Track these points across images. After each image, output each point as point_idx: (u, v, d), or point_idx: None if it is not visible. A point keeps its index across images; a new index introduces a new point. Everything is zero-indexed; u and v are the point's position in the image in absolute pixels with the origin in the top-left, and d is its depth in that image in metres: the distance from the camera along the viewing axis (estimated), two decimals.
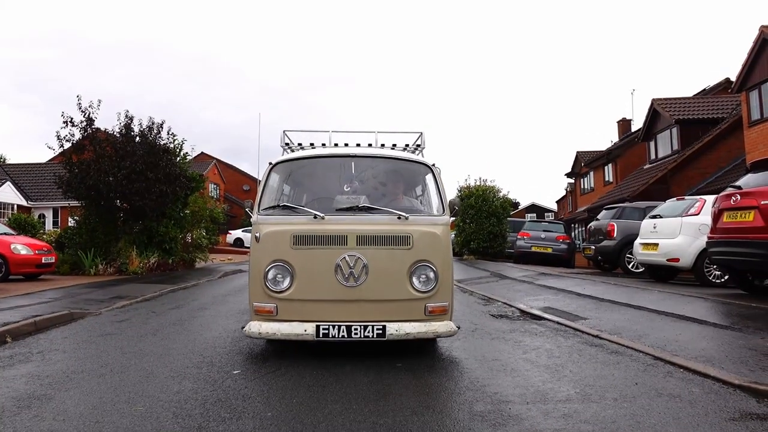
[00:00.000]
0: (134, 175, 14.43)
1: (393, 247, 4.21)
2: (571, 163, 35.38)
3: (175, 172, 15.70)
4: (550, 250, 19.03)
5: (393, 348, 4.71)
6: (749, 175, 7.92)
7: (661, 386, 3.61)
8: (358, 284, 4.14)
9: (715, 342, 4.88)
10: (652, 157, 23.38)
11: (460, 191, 24.13)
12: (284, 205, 4.52)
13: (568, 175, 37.19)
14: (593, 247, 14.59)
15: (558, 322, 6.17)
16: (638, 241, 11.52)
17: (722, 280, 9.79)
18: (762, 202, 7.03)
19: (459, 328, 4.49)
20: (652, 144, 23.58)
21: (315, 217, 4.29)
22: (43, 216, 29.98)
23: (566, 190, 41.61)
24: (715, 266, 9.70)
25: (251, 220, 4.49)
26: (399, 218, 4.32)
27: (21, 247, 11.93)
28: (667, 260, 10.43)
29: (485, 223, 23.02)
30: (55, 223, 29.67)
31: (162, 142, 15.84)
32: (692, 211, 10.34)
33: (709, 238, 8.28)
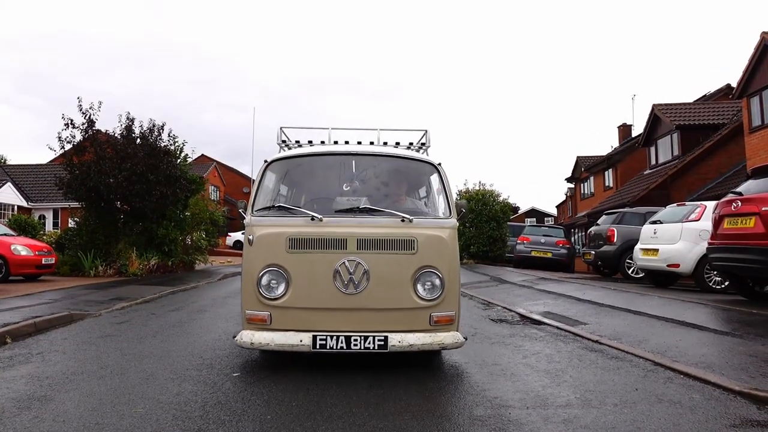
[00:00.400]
0: (135, 177, 14.45)
1: (396, 252, 3.95)
2: (572, 168, 35.42)
3: (175, 174, 15.72)
4: (549, 255, 19.03)
5: (393, 354, 4.70)
6: (750, 182, 7.92)
7: (661, 392, 3.61)
8: (358, 291, 3.87)
9: (716, 348, 4.87)
10: (653, 162, 23.40)
11: (459, 195, 24.15)
12: (279, 206, 4.26)
13: (568, 179, 37.21)
14: (593, 252, 14.58)
15: (558, 327, 6.17)
16: (638, 246, 11.51)
17: (722, 286, 9.77)
18: (763, 209, 7.03)
19: (466, 339, 4.20)
20: (652, 149, 23.60)
21: (312, 219, 4.03)
22: (44, 217, 29.99)
23: (566, 194, 41.62)
24: (715, 272, 9.69)
25: (244, 221, 4.22)
26: (403, 221, 4.05)
27: (21, 248, 11.92)
28: (668, 266, 10.42)
29: (485, 227, 23.06)
30: (55, 225, 29.68)
31: (163, 144, 15.87)
32: (693, 216, 10.33)
33: (709, 244, 8.28)
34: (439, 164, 4.56)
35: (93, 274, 13.76)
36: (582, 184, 33.94)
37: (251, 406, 3.31)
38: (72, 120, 14.82)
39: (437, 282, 3.97)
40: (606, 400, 3.46)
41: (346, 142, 5.15)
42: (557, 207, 49.78)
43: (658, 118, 22.60)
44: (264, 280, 3.93)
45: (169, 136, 16.33)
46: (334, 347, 3.82)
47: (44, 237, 17.96)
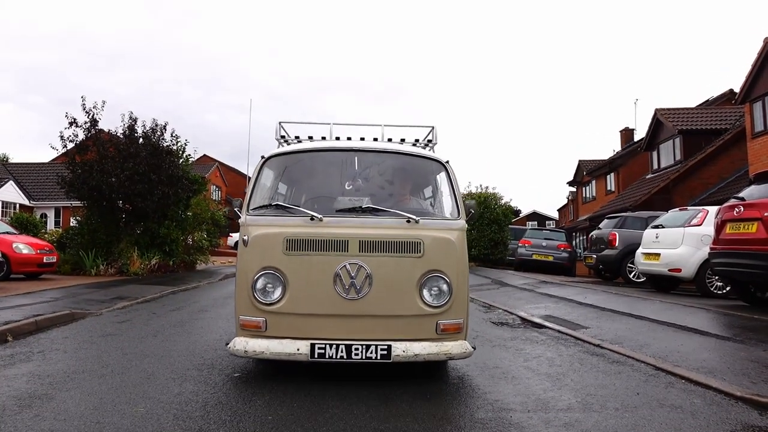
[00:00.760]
0: (137, 177, 14.48)
1: (401, 255, 3.70)
2: (573, 172, 35.41)
3: (177, 174, 15.75)
4: (551, 258, 19.01)
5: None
6: (753, 187, 7.92)
7: (662, 397, 3.60)
8: (360, 297, 3.63)
9: (717, 353, 4.87)
10: (655, 166, 23.38)
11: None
12: (277, 205, 4.01)
13: (570, 183, 37.21)
14: (595, 256, 14.58)
15: (559, 331, 6.16)
16: (640, 250, 11.51)
17: (724, 291, 9.77)
18: (765, 214, 7.02)
19: (475, 348, 3.94)
20: (654, 154, 23.58)
21: (312, 219, 3.78)
22: (45, 215, 30.03)
23: (568, 198, 41.62)
24: (717, 277, 9.69)
25: (239, 221, 3.97)
26: (408, 221, 3.81)
27: (23, 246, 11.94)
28: (669, 270, 10.42)
29: (486, 230, 23.06)
30: (57, 223, 29.71)
31: (165, 144, 15.90)
32: (695, 221, 10.33)
33: (711, 249, 8.27)
34: (447, 162, 4.30)
35: (94, 273, 13.78)
36: (584, 188, 33.93)
37: (252, 406, 3.31)
38: (75, 119, 14.87)
39: (444, 287, 3.74)
40: (607, 404, 3.45)
41: (349, 138, 4.90)
42: (559, 210, 49.76)
43: (660, 122, 22.60)
44: (259, 284, 3.69)
45: (171, 135, 16.38)
46: (334, 356, 3.59)
47: (46, 235, 17.98)
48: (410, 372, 4.17)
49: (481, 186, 24.72)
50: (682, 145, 21.34)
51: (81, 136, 14.99)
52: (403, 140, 5.07)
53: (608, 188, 29.08)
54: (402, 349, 3.62)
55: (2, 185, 28.58)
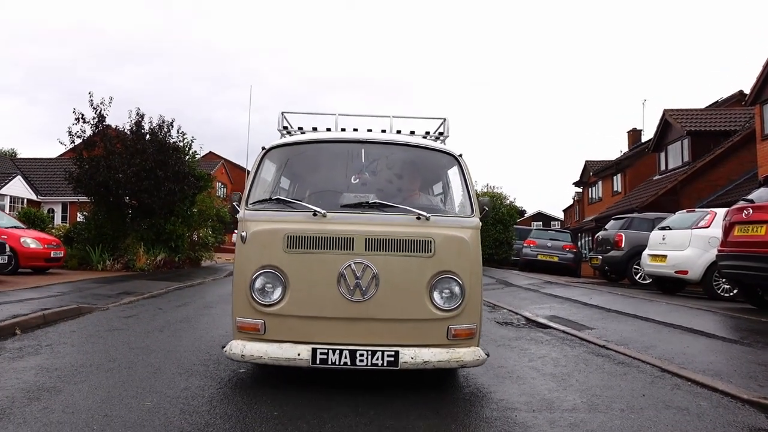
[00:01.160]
0: (143, 173, 14.55)
1: (410, 254, 3.47)
2: (580, 172, 35.29)
3: (183, 171, 15.81)
4: (556, 259, 18.98)
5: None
6: (762, 189, 7.88)
7: (668, 398, 3.59)
8: (365, 299, 3.41)
9: (724, 356, 4.85)
10: (662, 168, 23.29)
11: None
12: (277, 199, 3.82)
13: (576, 184, 37.08)
14: (600, 257, 14.55)
15: (564, 331, 6.15)
16: (646, 252, 11.47)
17: (731, 294, 9.72)
18: None
19: (488, 355, 3.72)
20: (662, 155, 23.48)
21: (315, 215, 3.55)
22: (53, 211, 30.20)
23: (573, 199, 41.49)
24: (724, 280, 9.64)
25: (237, 216, 3.75)
26: (418, 218, 3.58)
27: (30, 240, 12.02)
28: (676, 272, 10.38)
29: (491, 230, 23.05)
30: (64, 218, 29.88)
31: (172, 141, 15.96)
32: (702, 223, 10.29)
33: (719, 251, 8.24)
34: (461, 155, 4.04)
35: (101, 268, 13.86)
36: (590, 189, 33.82)
37: (258, 401, 3.32)
38: (83, 114, 14.96)
39: (456, 290, 3.50)
40: (613, 405, 3.45)
41: (355, 130, 4.58)
42: (564, 211, 49.63)
43: (668, 123, 22.49)
44: (258, 284, 3.47)
45: (178, 132, 16.45)
46: (337, 363, 3.37)
47: (53, 230, 18.08)
48: (416, 374, 4.15)
49: (488, 185, 24.73)
50: (690, 146, 21.24)
51: (88, 131, 15.09)
52: (412, 132, 4.78)
53: (615, 189, 28.98)
54: (410, 356, 3.40)
55: (10, 180, 28.75)
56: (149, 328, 5.89)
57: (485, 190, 24.38)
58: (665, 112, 22.58)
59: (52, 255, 12.35)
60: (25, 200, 29.59)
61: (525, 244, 20.05)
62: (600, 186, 31.57)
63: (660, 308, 7.97)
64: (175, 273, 13.91)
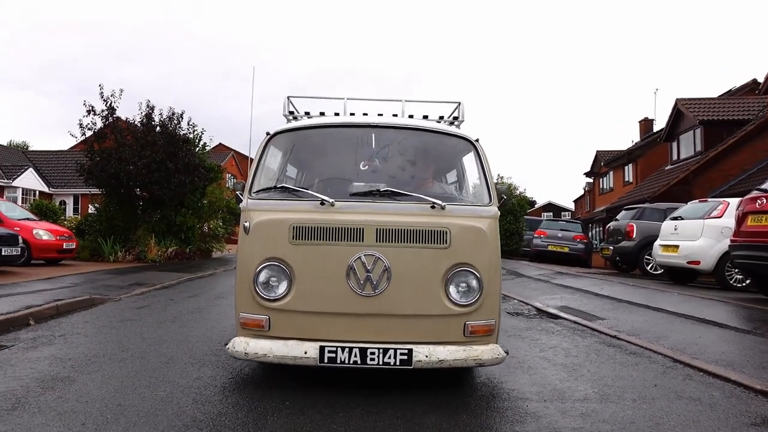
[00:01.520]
0: (154, 165, 14.63)
1: (424, 246, 3.27)
2: (591, 163, 35.06)
3: (194, 163, 15.88)
4: (566, 250, 18.91)
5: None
6: None
7: (680, 389, 3.57)
8: (376, 293, 3.21)
9: (736, 346, 4.81)
10: (674, 157, 23.07)
11: None
12: (282, 187, 3.59)
13: (587, 174, 36.85)
14: (611, 248, 14.47)
15: (575, 322, 6.13)
16: (658, 242, 11.40)
17: (744, 284, 9.65)
18: None
19: (507, 353, 3.51)
20: (674, 144, 23.26)
21: (322, 204, 3.35)
22: (64, 203, 30.45)
23: (584, 189, 41.24)
24: (736, 270, 9.57)
25: (240, 205, 3.57)
26: (433, 207, 3.37)
27: (43, 232, 12.13)
28: (688, 262, 10.30)
29: (501, 221, 22.80)
30: (75, 210, 30.13)
31: (182, 133, 16.02)
32: (715, 213, 10.19)
33: (731, 241, 8.16)
34: (477, 140, 3.81)
35: (112, 260, 13.98)
36: (601, 179, 33.60)
37: (269, 391, 3.34)
38: (93, 107, 15.04)
39: (474, 283, 3.31)
40: (624, 395, 3.44)
41: (365, 114, 4.36)
42: (574, 202, 49.35)
43: (681, 112, 22.26)
44: (262, 277, 3.28)
45: (188, 124, 16.51)
46: (346, 361, 3.18)
47: (65, 222, 18.24)
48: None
49: (498, 176, 24.63)
50: (702, 135, 21.01)
51: (99, 124, 15.18)
52: (425, 117, 4.52)
53: (626, 179, 28.77)
54: (425, 354, 3.21)
55: (22, 173, 29.00)
56: (161, 318, 5.93)
57: (496, 181, 24.27)
58: (677, 101, 22.34)
59: (64, 246, 12.47)
60: (37, 192, 29.85)
61: (535, 235, 19.98)
62: (611, 176, 31.36)
63: (672, 298, 7.92)
64: (186, 264, 14.00)
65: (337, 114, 4.50)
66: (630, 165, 28.33)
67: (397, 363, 3.19)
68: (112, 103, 15.16)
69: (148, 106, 15.76)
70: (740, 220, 7.91)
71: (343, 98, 4.57)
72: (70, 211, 29.38)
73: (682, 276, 11.09)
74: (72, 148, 31.93)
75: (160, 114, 15.84)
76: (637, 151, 27.82)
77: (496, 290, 3.41)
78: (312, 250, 3.27)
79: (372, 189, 3.50)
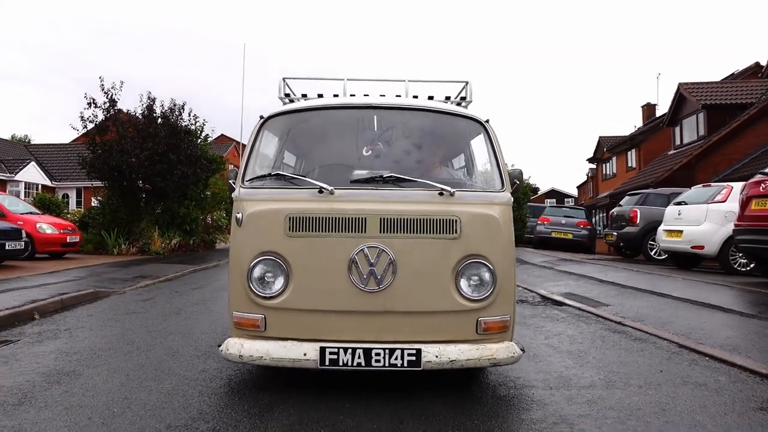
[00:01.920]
0: (156, 157, 14.62)
1: (432, 236, 3.04)
2: (593, 148, 34.94)
3: (196, 154, 15.86)
4: (570, 236, 18.89)
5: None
6: None
7: (686, 374, 3.57)
8: (381, 288, 2.98)
9: (742, 331, 4.81)
10: (677, 142, 22.95)
11: None
12: (277, 174, 3.33)
13: (590, 160, 36.75)
14: (615, 234, 14.44)
15: (580, 308, 6.13)
16: (662, 227, 11.37)
17: (748, 268, 9.63)
18: None
19: (524, 351, 3.29)
20: (677, 129, 23.12)
21: (321, 192, 3.10)
22: (67, 196, 30.47)
23: (587, 175, 41.16)
24: (740, 254, 9.54)
25: (233, 195, 3.33)
26: (441, 194, 3.13)
27: (46, 226, 12.16)
28: (692, 247, 10.28)
29: None
30: (78, 203, 30.16)
31: (183, 124, 15.99)
32: (719, 198, 10.15)
33: (735, 225, 8.14)
34: (487, 121, 3.55)
35: (116, 253, 14.00)
36: (604, 165, 33.51)
37: (276, 382, 3.35)
38: (94, 99, 15.00)
39: (487, 276, 3.07)
40: (630, 381, 3.43)
41: (366, 96, 4.05)
42: (578, 188, 49.27)
43: (683, 97, 22.11)
44: (256, 273, 3.05)
45: (189, 115, 16.46)
46: (349, 363, 2.93)
47: (68, 216, 18.26)
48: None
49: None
50: (705, 120, 20.88)
51: (100, 116, 15.14)
52: (431, 98, 4.21)
53: (629, 165, 28.67)
54: (434, 354, 2.96)
55: (24, 166, 29.01)
56: (166, 311, 5.94)
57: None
58: (680, 85, 22.18)
59: (68, 240, 12.49)
60: (40, 186, 29.87)
61: (539, 222, 19.95)
62: (614, 162, 31.25)
63: (676, 284, 7.90)
64: (189, 256, 14.02)
65: (336, 96, 4.18)
66: (633, 150, 28.22)
67: (405, 364, 2.95)
68: (113, 95, 15.13)
69: (149, 98, 15.73)
70: (744, 204, 7.88)
71: (342, 79, 4.28)
72: (73, 205, 29.41)
73: (686, 261, 11.07)
74: (74, 141, 31.90)
75: (162, 106, 15.81)
76: (640, 137, 27.69)
77: (510, 283, 3.16)
78: (310, 243, 3.05)
79: (375, 175, 3.24)
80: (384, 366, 2.94)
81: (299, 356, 2.95)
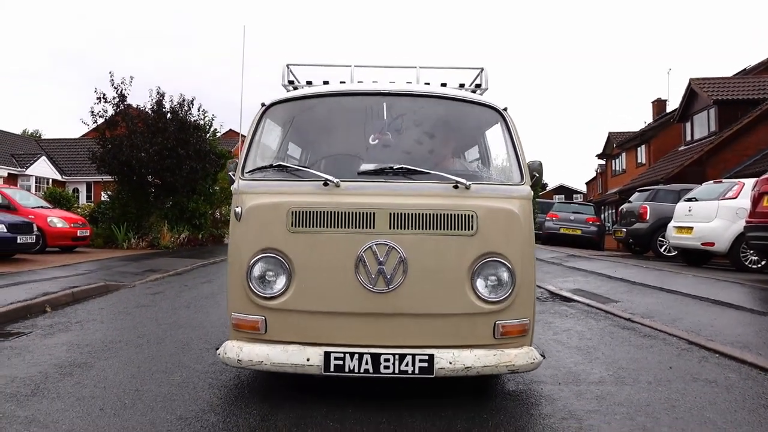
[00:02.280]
0: (165, 152, 14.69)
1: (446, 232, 2.81)
2: (603, 144, 34.73)
3: (205, 149, 15.93)
4: (579, 232, 18.82)
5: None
6: None
7: (696, 371, 3.56)
8: (390, 289, 2.76)
9: (752, 328, 4.78)
10: (688, 138, 22.78)
11: None
12: (279, 166, 3.09)
13: (599, 156, 36.53)
14: (625, 230, 14.37)
15: (588, 305, 6.11)
16: (672, 224, 11.30)
17: (759, 265, 9.56)
18: None
19: (544, 357, 3.06)
20: (688, 125, 22.95)
21: (326, 184, 2.88)
22: (77, 190, 30.66)
23: (596, 171, 40.92)
24: (752, 251, 9.47)
25: (232, 187, 3.10)
26: (456, 187, 2.90)
27: (57, 220, 12.25)
28: (702, 244, 10.21)
29: None
30: (88, 198, 30.35)
31: (192, 119, 16.05)
32: (730, 194, 10.07)
33: (747, 222, 8.07)
34: (505, 109, 3.32)
35: (126, 247, 14.10)
36: (613, 161, 33.31)
37: (284, 377, 3.35)
38: (104, 94, 15.09)
39: (505, 275, 2.84)
40: (639, 377, 3.43)
41: (374, 83, 3.76)
42: (587, 184, 49.03)
43: (694, 92, 21.93)
44: (256, 271, 2.85)
45: (198, 110, 16.52)
46: (356, 370, 2.73)
47: (78, 210, 18.38)
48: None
49: None
50: (717, 115, 20.70)
51: (110, 111, 15.23)
52: (443, 85, 3.95)
53: (639, 161, 28.49)
54: (448, 360, 2.74)
55: (35, 161, 29.22)
56: (176, 304, 5.98)
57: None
58: (691, 81, 22.00)
59: (78, 234, 12.59)
60: (50, 180, 30.08)
61: (547, 218, 19.87)
62: (624, 158, 31.06)
63: (686, 281, 7.86)
64: (198, 250, 14.10)
65: (343, 83, 3.88)
66: (643, 146, 28.03)
67: (416, 371, 2.73)
68: (123, 91, 15.20)
69: (158, 93, 15.79)
70: (756, 200, 7.81)
71: (350, 65, 4.01)
72: (83, 199, 29.59)
73: (696, 258, 11.00)
74: (84, 135, 32.03)
75: (171, 101, 15.88)
76: (650, 132, 27.49)
77: (530, 283, 2.94)
78: (314, 239, 2.82)
79: (384, 167, 2.99)
80: (394, 373, 2.74)
81: (302, 361, 2.75)
